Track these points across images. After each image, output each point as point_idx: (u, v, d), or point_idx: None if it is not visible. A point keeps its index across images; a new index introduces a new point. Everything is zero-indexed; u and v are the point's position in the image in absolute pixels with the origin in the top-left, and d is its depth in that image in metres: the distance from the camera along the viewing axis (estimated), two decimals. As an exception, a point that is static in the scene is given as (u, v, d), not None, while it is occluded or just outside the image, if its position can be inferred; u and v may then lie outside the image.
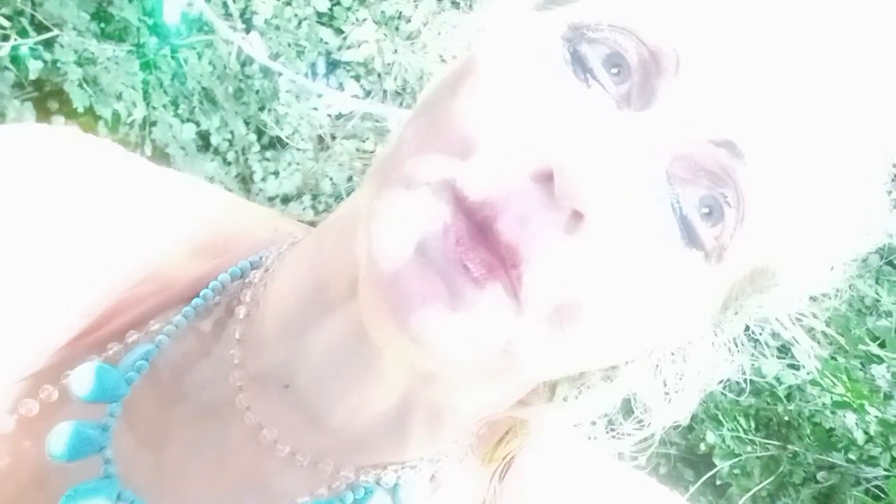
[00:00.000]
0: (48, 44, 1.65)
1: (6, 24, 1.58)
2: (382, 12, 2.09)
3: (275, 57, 2.05)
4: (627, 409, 0.47)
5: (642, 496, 0.50)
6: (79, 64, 1.62)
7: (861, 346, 1.49)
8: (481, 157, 0.37)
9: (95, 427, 0.45)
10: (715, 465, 1.71)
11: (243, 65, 2.04)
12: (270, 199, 1.99)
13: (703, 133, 0.37)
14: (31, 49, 1.61)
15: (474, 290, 0.36)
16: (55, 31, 1.62)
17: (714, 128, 0.37)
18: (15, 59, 1.60)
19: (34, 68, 1.61)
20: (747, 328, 0.46)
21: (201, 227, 0.53)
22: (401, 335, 0.37)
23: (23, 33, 1.62)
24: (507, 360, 0.38)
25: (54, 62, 1.63)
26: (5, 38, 1.59)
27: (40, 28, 1.66)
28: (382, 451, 0.46)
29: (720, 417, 1.68)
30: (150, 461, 0.46)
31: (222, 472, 0.46)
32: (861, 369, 1.56)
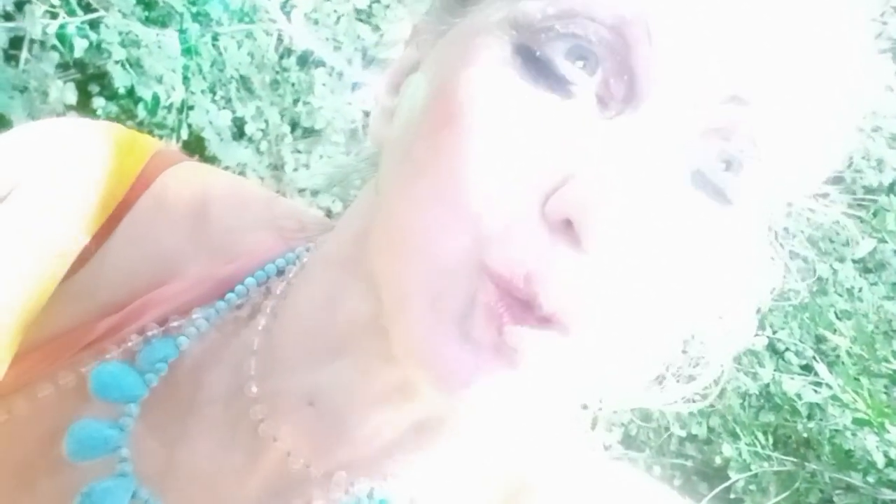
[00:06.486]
0: (94, 24, 1.69)
1: (56, 1, 1.62)
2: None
3: (310, 51, 2.07)
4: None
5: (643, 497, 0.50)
6: (122, 45, 1.65)
7: (885, 365, 1.48)
8: (500, 223, 0.34)
9: (113, 426, 0.44)
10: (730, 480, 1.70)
11: (281, 57, 2.06)
12: (300, 190, 2.01)
13: (707, 100, 0.35)
14: (78, 28, 1.64)
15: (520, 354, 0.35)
16: (101, 12, 1.66)
17: (715, 88, 0.35)
18: (61, 36, 1.64)
19: (80, 46, 1.65)
20: (770, 344, 0.46)
21: (216, 224, 0.51)
22: (441, 394, 0.37)
23: (71, 12, 1.66)
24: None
25: (98, 43, 1.66)
26: (54, 15, 1.63)
27: (87, 9, 1.69)
28: (405, 460, 0.46)
29: (738, 431, 1.67)
30: (165, 463, 0.46)
31: (240, 481, 0.46)
32: (884, 392, 1.55)
